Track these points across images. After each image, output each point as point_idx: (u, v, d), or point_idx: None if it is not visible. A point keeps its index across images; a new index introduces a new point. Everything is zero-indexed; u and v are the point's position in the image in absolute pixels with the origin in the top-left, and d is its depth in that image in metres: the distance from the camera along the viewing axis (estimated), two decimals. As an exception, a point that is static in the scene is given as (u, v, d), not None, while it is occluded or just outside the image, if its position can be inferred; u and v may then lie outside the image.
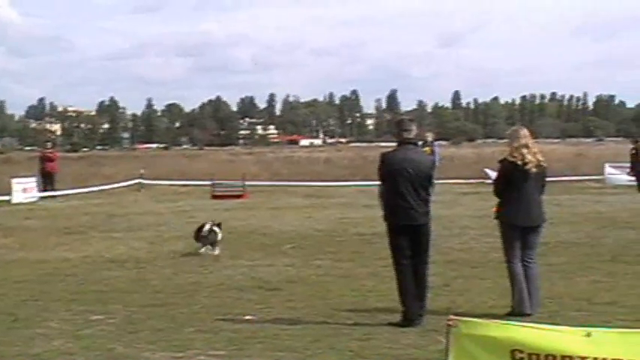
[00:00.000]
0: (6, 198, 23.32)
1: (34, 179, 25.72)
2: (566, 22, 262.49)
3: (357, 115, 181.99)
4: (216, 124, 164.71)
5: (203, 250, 12.26)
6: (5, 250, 13.35)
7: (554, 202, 17.47)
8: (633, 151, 26.25)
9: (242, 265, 11.33)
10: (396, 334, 7.12)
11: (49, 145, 29.61)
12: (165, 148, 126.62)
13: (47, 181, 26.32)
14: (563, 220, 15.67)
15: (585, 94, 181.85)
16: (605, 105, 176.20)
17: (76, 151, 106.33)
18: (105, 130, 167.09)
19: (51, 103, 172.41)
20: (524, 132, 8.02)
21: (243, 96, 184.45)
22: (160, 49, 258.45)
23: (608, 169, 29.64)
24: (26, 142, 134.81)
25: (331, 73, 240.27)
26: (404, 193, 7.52)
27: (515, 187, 7.84)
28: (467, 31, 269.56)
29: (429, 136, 25.31)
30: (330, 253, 12.24)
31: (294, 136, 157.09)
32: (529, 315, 7.52)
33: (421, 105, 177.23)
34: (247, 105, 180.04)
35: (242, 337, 7.13)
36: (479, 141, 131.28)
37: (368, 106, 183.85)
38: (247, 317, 7.96)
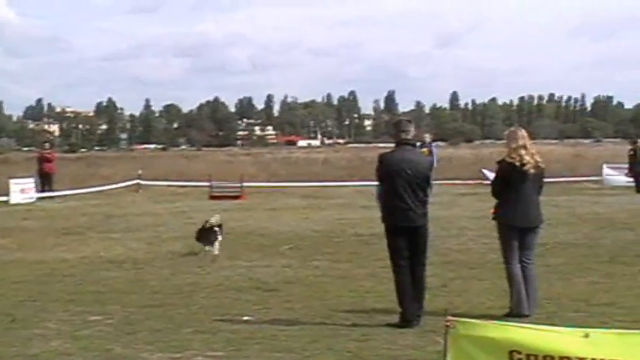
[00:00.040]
0: (4, 198, 23.34)
1: (32, 180, 25.68)
2: (564, 23, 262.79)
3: (355, 115, 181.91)
4: (214, 125, 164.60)
5: (207, 248, 12.15)
6: (3, 250, 13.35)
7: (552, 203, 17.49)
8: (631, 152, 26.26)
9: (240, 265, 11.33)
10: (394, 335, 7.12)
11: (47, 145, 29.51)
12: (163, 149, 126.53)
13: (45, 181, 26.29)
14: (561, 221, 15.69)
15: (583, 95, 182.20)
16: (603, 106, 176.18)
17: (74, 151, 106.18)
18: (103, 131, 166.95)
19: (49, 104, 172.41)
20: (522, 133, 8.02)
21: (241, 97, 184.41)
22: (158, 50, 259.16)
23: (606, 170, 29.62)
24: (24, 142, 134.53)
25: (329, 73, 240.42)
26: (402, 194, 7.53)
27: (513, 188, 7.84)
28: (464, 32, 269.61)
29: (427, 137, 25.27)
30: (327, 254, 12.24)
31: (292, 137, 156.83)
32: (527, 316, 7.52)
33: (419, 106, 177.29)
34: (245, 106, 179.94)
35: (240, 337, 7.13)
36: (477, 142, 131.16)
37: (366, 106, 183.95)
38: (245, 318, 7.96)
